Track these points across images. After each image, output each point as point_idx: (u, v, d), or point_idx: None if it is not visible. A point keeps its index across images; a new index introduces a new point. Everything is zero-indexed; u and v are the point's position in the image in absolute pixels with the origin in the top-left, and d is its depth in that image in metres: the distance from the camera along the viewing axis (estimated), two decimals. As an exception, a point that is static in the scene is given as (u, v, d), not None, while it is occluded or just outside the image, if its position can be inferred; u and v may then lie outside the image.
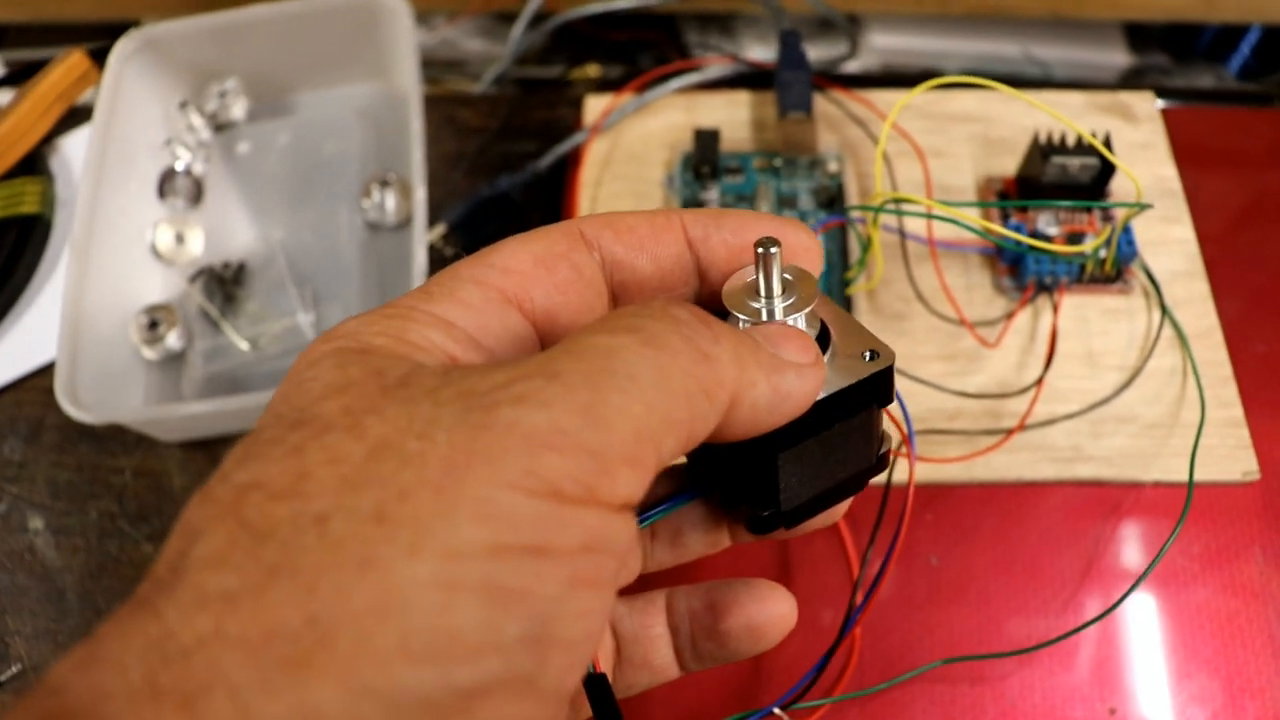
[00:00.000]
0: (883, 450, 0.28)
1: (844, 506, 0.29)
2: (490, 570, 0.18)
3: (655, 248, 0.26)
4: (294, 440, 0.19)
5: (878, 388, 0.26)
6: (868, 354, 0.26)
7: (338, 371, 0.21)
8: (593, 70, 0.68)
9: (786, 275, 0.26)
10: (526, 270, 0.24)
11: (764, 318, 0.25)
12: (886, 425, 0.29)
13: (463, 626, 0.17)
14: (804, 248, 0.27)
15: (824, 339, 0.26)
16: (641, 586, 0.31)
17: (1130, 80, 0.68)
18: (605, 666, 0.30)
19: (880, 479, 0.42)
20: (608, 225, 0.26)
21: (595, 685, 0.27)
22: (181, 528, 0.19)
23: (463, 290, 0.23)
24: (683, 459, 0.30)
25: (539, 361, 0.20)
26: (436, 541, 0.17)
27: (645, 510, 0.28)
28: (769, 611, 0.30)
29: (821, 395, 0.25)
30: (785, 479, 0.26)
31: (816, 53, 0.56)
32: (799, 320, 0.26)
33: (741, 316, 0.25)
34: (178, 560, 0.18)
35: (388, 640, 0.17)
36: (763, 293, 0.25)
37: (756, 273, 0.25)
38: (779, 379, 0.22)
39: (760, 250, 0.25)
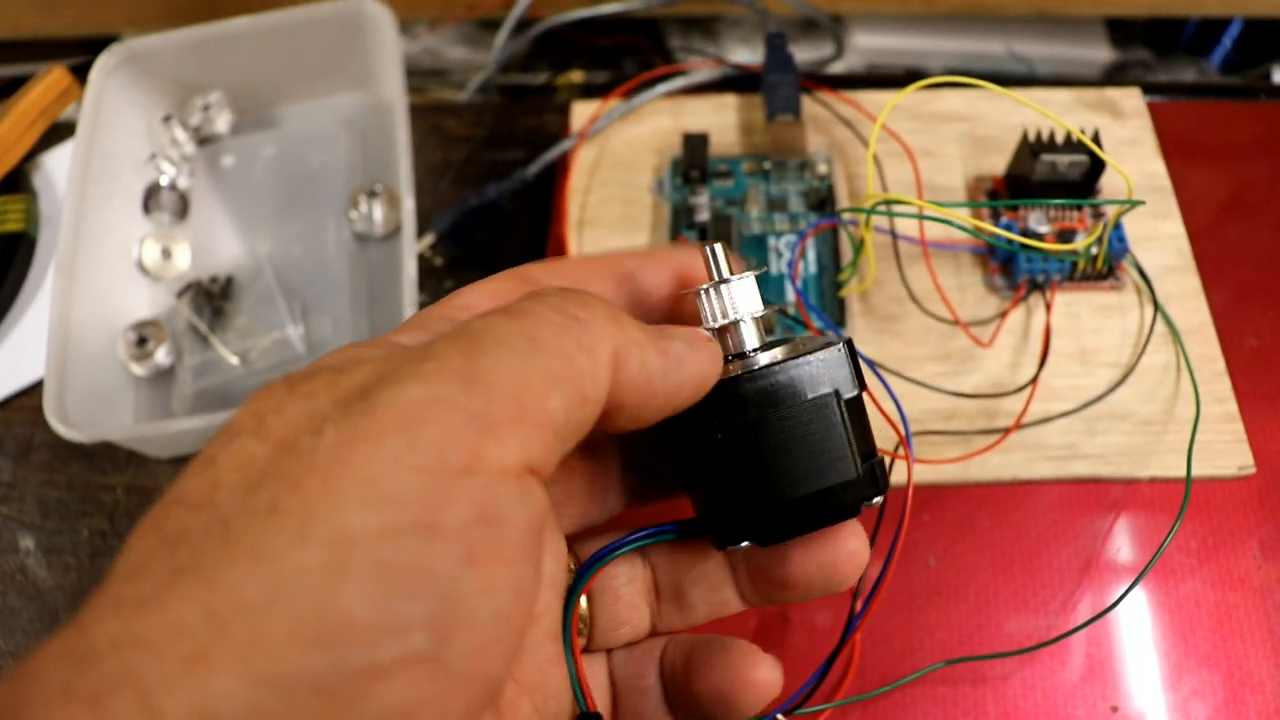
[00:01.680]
0: (869, 465, 0.26)
1: (850, 563, 0.27)
2: (379, 551, 0.18)
3: (596, 282, 0.27)
4: (209, 451, 0.20)
5: (829, 366, 0.25)
6: (823, 342, 0.26)
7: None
8: (576, 76, 0.68)
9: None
10: (487, 305, 0.25)
11: (716, 281, 0.26)
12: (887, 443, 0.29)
13: (353, 608, 0.17)
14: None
15: (779, 342, 0.27)
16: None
17: (1113, 75, 0.68)
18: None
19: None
20: (551, 266, 0.27)
21: None
22: (120, 552, 0.19)
23: (433, 324, 0.24)
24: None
25: (418, 347, 0.21)
26: (324, 527, 0.18)
27: (616, 544, 0.28)
28: (740, 679, 0.28)
29: (764, 364, 0.25)
30: (735, 466, 0.25)
31: (801, 54, 0.56)
32: (750, 286, 0.26)
33: (703, 288, 0.26)
34: (107, 579, 0.19)
35: (279, 627, 0.17)
36: (713, 270, 0.26)
37: (705, 264, 0.27)
38: (666, 344, 0.23)
39: (707, 248, 0.26)
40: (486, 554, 0.19)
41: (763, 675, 0.28)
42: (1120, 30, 0.69)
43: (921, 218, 0.48)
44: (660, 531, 0.28)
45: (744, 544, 0.26)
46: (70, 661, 0.17)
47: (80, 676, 0.16)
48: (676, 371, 0.23)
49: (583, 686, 0.27)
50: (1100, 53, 0.68)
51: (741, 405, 0.25)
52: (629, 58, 0.71)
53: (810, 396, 0.25)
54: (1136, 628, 0.43)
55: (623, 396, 0.22)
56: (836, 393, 0.25)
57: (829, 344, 0.25)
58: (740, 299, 0.26)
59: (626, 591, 0.29)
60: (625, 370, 0.22)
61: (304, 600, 0.17)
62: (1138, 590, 0.44)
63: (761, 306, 0.27)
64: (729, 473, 0.25)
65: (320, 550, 0.17)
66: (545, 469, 0.20)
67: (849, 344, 0.26)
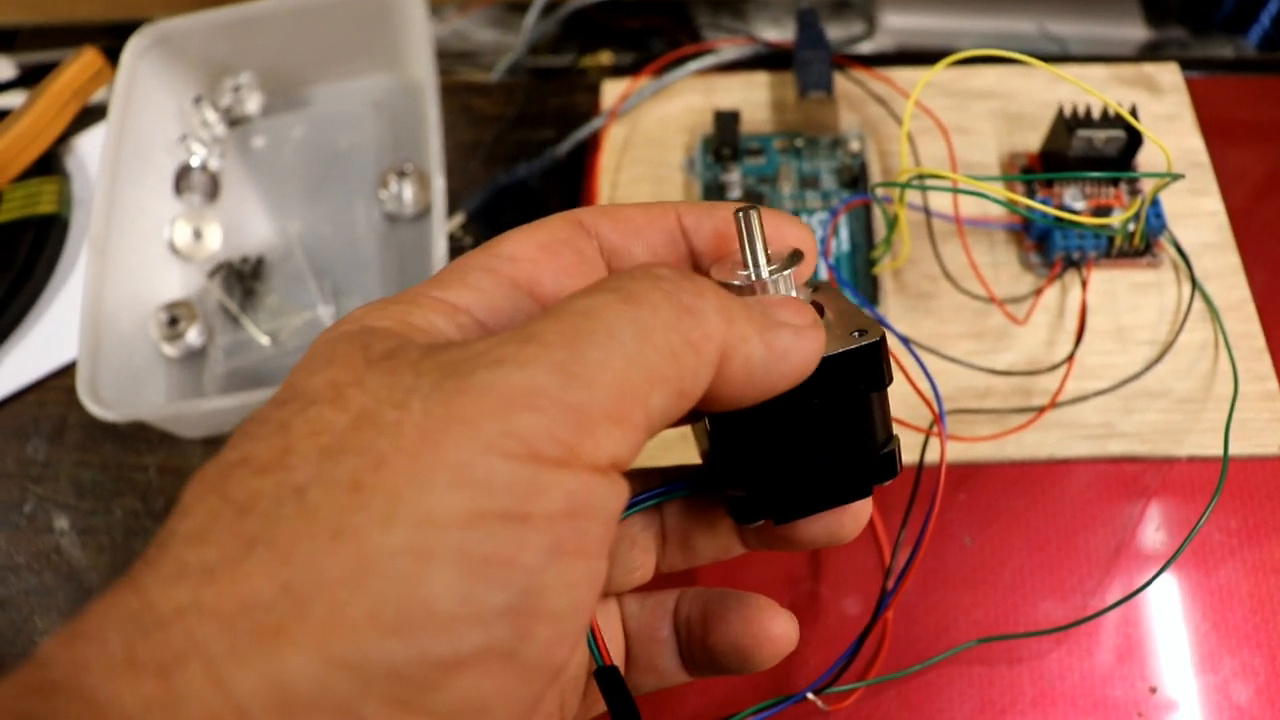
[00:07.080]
0: (886, 449, 0.26)
1: (853, 523, 0.28)
2: (467, 538, 0.17)
3: (650, 235, 0.26)
4: (280, 417, 0.19)
5: (863, 365, 0.24)
6: (857, 332, 0.25)
7: (328, 348, 0.21)
8: (605, 58, 0.67)
9: (772, 249, 0.25)
10: (533, 256, 0.24)
11: (751, 280, 0.25)
12: (920, 412, 0.28)
13: (437, 597, 0.17)
14: (797, 241, 0.26)
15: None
16: (658, 585, 0.31)
17: (1148, 54, 0.67)
18: (615, 663, 0.29)
19: (912, 458, 0.42)
20: (604, 214, 0.26)
21: (607, 678, 0.26)
22: (175, 508, 0.19)
23: (472, 276, 0.23)
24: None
25: (519, 327, 0.20)
26: (410, 509, 0.17)
27: (632, 501, 0.28)
28: (756, 633, 0.28)
29: None
30: (757, 455, 0.25)
31: (831, 33, 0.56)
32: (788, 284, 0.25)
33: (733, 282, 0.25)
34: (165, 538, 0.18)
35: (359, 610, 0.16)
36: (748, 258, 0.25)
37: (739, 240, 0.25)
38: (773, 336, 0.22)
39: (739, 214, 0.25)
40: (572, 547, 0.18)
41: (780, 629, 0.29)
42: (1155, 8, 0.68)
43: (956, 191, 0.47)
44: (674, 489, 0.28)
45: (760, 522, 0.26)
46: (133, 628, 0.16)
47: (145, 644, 0.16)
48: (778, 365, 0.22)
49: (598, 642, 0.27)
50: (1135, 31, 0.67)
51: (772, 401, 0.23)
52: (657, 39, 0.70)
53: (841, 393, 0.25)
54: (1174, 608, 0.42)
55: (717, 390, 0.21)
56: (865, 388, 0.25)
57: (863, 333, 0.25)
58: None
59: (642, 538, 0.29)
60: (729, 367, 0.21)
61: (387, 584, 0.17)
62: (1176, 570, 0.43)
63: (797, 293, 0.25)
64: (750, 457, 0.25)
65: (406, 533, 0.17)
66: (630, 463, 0.20)
67: (883, 341, 0.25)
